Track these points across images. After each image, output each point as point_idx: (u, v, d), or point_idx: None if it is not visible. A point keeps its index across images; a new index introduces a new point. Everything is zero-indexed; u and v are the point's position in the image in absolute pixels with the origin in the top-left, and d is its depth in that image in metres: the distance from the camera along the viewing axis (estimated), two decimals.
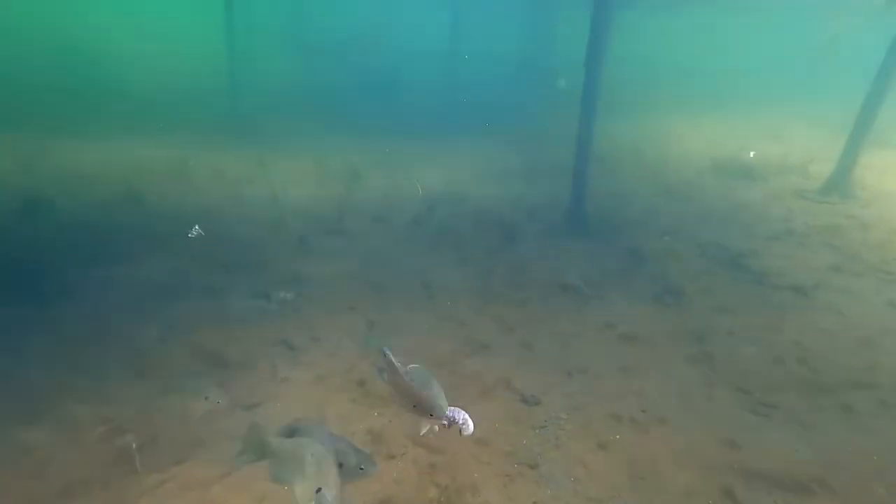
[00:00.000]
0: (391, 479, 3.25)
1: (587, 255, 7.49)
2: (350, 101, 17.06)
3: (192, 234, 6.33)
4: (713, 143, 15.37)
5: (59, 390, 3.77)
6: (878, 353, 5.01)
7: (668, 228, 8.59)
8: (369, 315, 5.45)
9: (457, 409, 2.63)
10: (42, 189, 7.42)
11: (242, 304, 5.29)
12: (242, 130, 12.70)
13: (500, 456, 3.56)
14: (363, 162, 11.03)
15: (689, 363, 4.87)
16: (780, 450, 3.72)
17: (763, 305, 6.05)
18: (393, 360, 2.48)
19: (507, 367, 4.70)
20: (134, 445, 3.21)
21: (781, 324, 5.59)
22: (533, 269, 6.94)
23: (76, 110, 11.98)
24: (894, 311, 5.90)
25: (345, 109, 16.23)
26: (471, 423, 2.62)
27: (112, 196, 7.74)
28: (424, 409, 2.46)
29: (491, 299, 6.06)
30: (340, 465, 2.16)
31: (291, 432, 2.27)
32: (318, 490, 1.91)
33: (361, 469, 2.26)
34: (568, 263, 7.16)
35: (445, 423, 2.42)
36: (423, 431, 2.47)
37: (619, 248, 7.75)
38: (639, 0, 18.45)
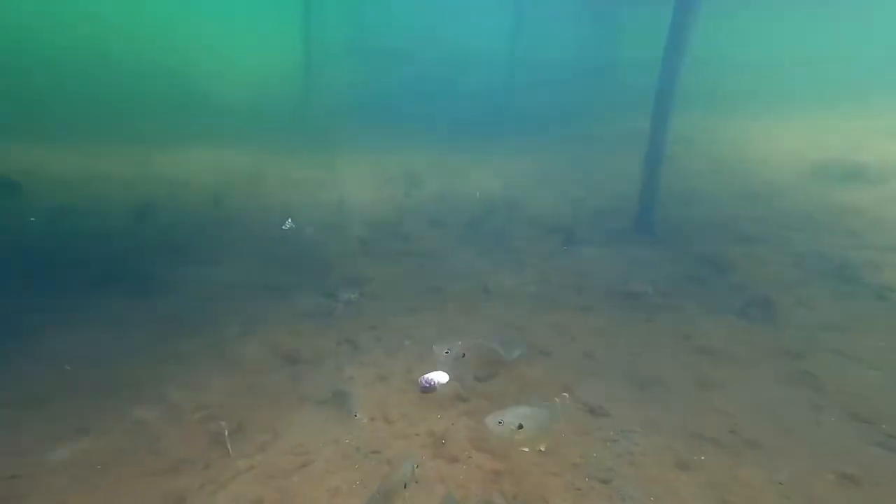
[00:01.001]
0: (456, 484, 3.14)
1: (655, 262, 6.93)
2: (412, 107, 17.65)
3: (286, 226, 6.88)
4: (812, 143, 13.56)
5: (159, 376, 4.19)
6: None
7: (753, 235, 7.66)
8: (428, 317, 5.46)
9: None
10: (149, 195, 8.50)
11: (311, 304, 5.58)
12: (311, 136, 13.65)
13: (568, 467, 3.31)
14: (422, 166, 11.29)
15: (785, 383, 4.22)
16: None
17: (884, 324, 5.11)
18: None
19: (569, 376, 4.42)
20: (226, 432, 3.45)
21: None
22: (595, 275, 6.55)
23: (174, 123, 13.69)
24: None
25: (406, 114, 16.82)
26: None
27: (201, 200, 8.65)
28: None
29: (550, 305, 5.79)
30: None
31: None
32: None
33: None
34: (634, 270, 6.67)
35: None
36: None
37: (692, 254, 7.07)
38: None
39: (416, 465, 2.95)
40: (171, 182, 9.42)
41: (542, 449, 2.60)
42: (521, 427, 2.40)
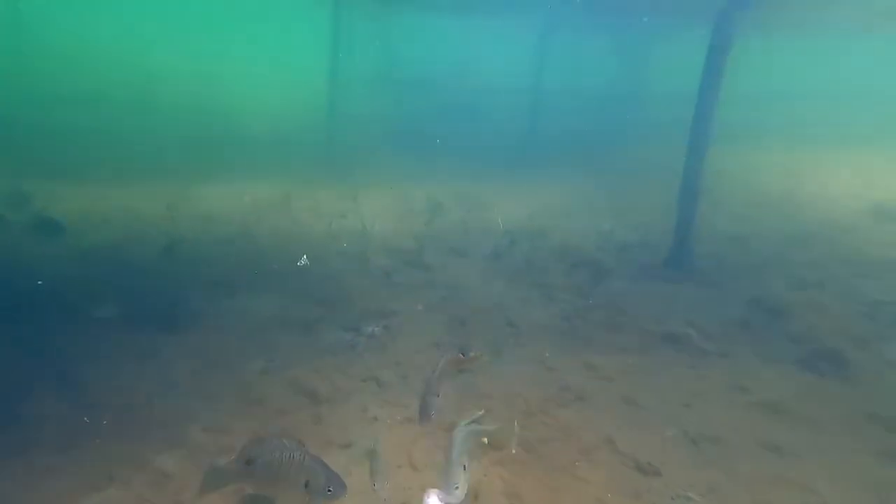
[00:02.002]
0: None
1: (695, 302, 6.44)
2: (437, 137, 17.86)
3: (301, 263, 6.79)
4: (869, 181, 12.80)
5: (184, 416, 3.98)
6: None
7: (811, 279, 7.06)
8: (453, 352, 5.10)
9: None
10: (180, 229, 8.60)
11: (334, 338, 5.37)
12: (337, 167, 13.87)
13: None
14: (445, 195, 11.20)
15: (881, 457, 3.61)
16: None
17: None
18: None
19: (608, 424, 3.96)
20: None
21: None
22: (629, 313, 6.11)
23: (203, 158, 14.14)
24: None
25: (432, 144, 17.01)
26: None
27: (229, 234, 8.66)
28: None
29: (582, 343, 5.37)
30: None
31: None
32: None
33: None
34: (671, 310, 6.20)
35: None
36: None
37: (737, 296, 6.54)
38: (763, 23, 16.90)
39: None
40: (200, 216, 9.54)
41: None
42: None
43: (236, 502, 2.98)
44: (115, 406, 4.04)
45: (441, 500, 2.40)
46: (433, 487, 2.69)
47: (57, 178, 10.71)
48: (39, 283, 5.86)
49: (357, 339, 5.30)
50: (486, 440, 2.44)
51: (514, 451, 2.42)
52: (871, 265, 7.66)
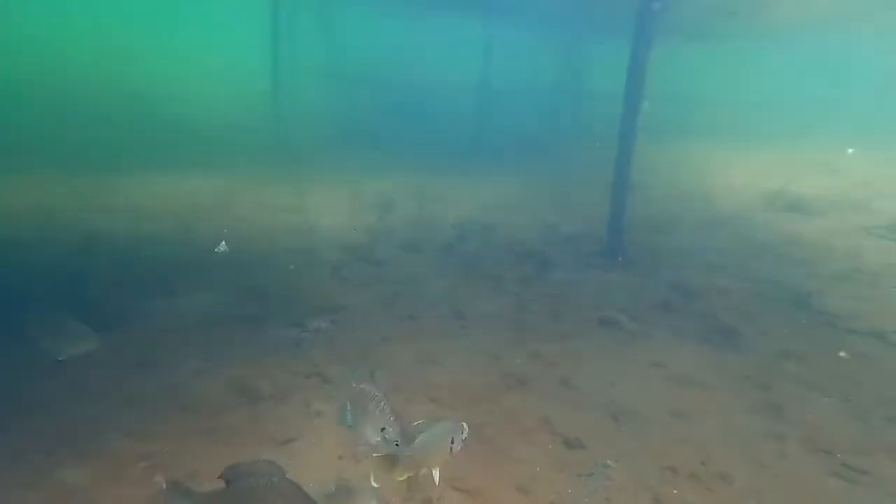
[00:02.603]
0: None
1: (627, 288, 7.12)
2: (386, 133, 17.72)
3: (219, 249, 6.55)
4: (760, 176, 14.64)
5: (105, 423, 3.79)
6: None
7: (717, 263, 8.06)
8: (402, 345, 5.33)
9: None
10: (99, 224, 7.93)
11: (278, 334, 5.30)
12: (283, 162, 13.40)
13: None
14: (395, 191, 11.27)
15: (753, 413, 4.36)
16: None
17: (834, 351, 5.43)
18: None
19: (547, 406, 4.39)
20: (163, 485, 3.10)
21: (862, 374, 4.96)
22: (570, 301, 6.65)
23: (130, 148, 13.03)
24: None
25: (380, 140, 16.87)
26: None
27: (161, 229, 8.16)
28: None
29: (527, 332, 5.80)
30: None
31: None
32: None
33: None
34: (607, 296, 6.82)
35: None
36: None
37: (661, 281, 7.32)
38: (680, 28, 18.40)
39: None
40: (130, 212, 8.87)
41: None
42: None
43: None
44: (16, 419, 3.79)
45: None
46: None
47: None
48: None
49: (302, 335, 5.28)
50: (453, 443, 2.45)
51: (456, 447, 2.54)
52: (760, 248, 8.88)
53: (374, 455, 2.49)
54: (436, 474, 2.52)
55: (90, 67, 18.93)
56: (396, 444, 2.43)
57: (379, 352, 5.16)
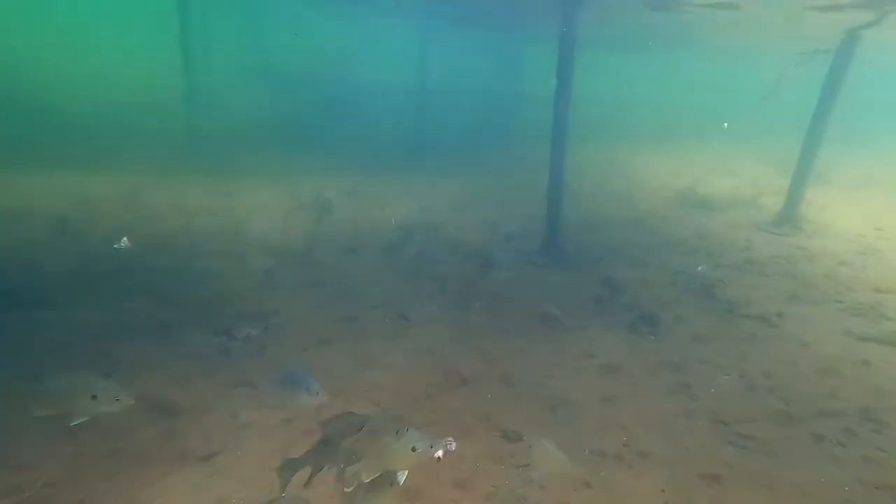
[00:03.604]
0: None
1: (562, 285, 7.57)
2: (320, 134, 17.00)
3: (120, 245, 5.87)
4: (673, 176, 16.34)
5: None
6: (840, 382, 5.22)
7: (640, 258, 8.86)
8: (341, 348, 5.20)
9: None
10: None
11: (199, 343, 4.86)
12: (203, 161, 12.27)
13: (481, 499, 3.37)
14: (334, 193, 10.90)
15: (669, 394, 4.89)
16: (759, 483, 3.73)
17: (733, 335, 6.25)
18: None
19: (487, 402, 4.55)
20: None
21: (751, 353, 5.76)
22: (510, 299, 6.92)
23: (10, 140, 11.18)
24: (849, 339, 6.23)
25: (315, 142, 16.15)
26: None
27: (44, 231, 7.11)
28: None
29: (470, 331, 5.94)
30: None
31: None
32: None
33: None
34: (545, 292, 7.20)
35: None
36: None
37: (592, 277, 7.89)
38: (597, 41, 19.82)
39: None
40: (4, 211, 7.64)
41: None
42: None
43: None
44: None
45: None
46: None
47: None
48: None
49: (230, 342, 4.94)
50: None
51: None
52: (675, 243, 9.95)
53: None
54: (401, 476, 2.56)
55: None
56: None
57: (316, 355, 4.99)
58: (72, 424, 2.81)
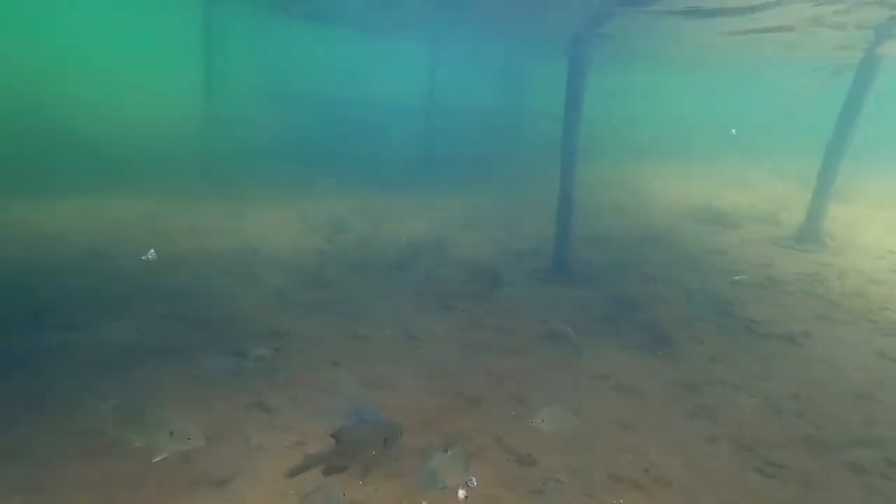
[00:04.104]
0: None
1: (574, 302, 7.42)
2: (331, 154, 17.42)
3: (148, 257, 6.01)
4: (686, 192, 16.12)
5: None
6: (876, 407, 4.91)
7: (654, 275, 8.65)
8: (351, 368, 5.13)
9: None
10: (4, 252, 7.01)
11: (213, 364, 4.89)
12: (221, 184, 12.64)
13: None
14: (345, 212, 11.05)
15: (688, 417, 4.65)
16: None
17: (755, 354, 5.97)
18: None
19: (499, 424, 4.39)
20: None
21: (776, 374, 5.48)
22: (520, 317, 6.79)
23: (40, 167, 11.66)
24: (884, 361, 5.88)
25: (326, 162, 16.53)
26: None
27: (75, 255, 7.33)
28: None
29: (479, 349, 5.82)
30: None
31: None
32: None
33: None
34: (555, 310, 7.05)
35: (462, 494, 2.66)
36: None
37: (603, 294, 7.72)
38: (610, 64, 20.12)
39: None
40: (35, 236, 7.90)
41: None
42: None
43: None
44: None
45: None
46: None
47: None
48: None
49: (243, 363, 4.93)
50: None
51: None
52: (689, 259, 9.71)
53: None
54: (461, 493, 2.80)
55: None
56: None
57: (326, 376, 4.93)
58: (154, 461, 3.10)
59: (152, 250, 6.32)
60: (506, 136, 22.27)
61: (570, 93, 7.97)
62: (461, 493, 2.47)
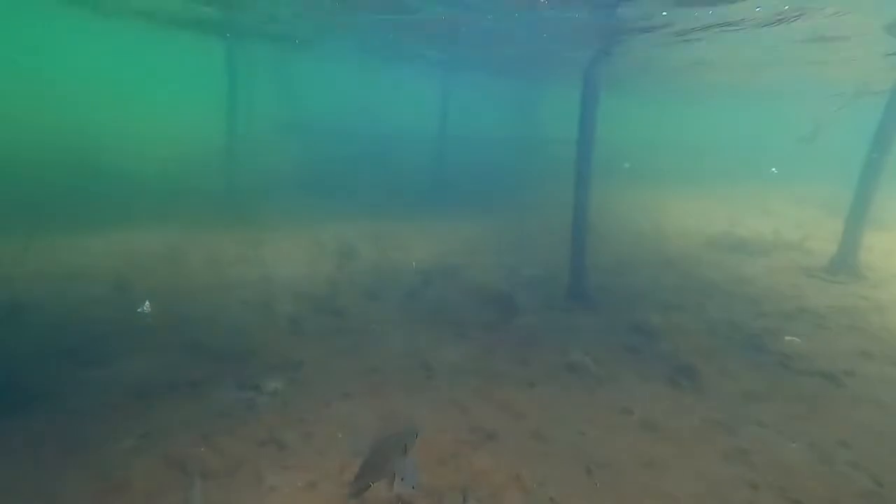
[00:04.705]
0: None
1: (590, 331, 7.14)
2: (345, 182, 17.75)
3: (143, 309, 6.16)
4: (705, 218, 15.76)
5: None
6: None
7: (674, 302, 8.30)
8: (364, 402, 4.95)
9: None
10: (25, 291, 7.09)
11: (228, 399, 4.84)
12: (238, 213, 12.90)
13: None
14: (356, 239, 11.09)
15: (723, 460, 4.29)
16: None
17: (793, 393, 5.56)
18: None
19: (518, 461, 4.12)
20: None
21: (818, 416, 5.07)
22: (536, 346, 6.54)
23: (65, 204, 11.99)
24: None
25: (340, 189, 16.83)
26: None
27: (100, 291, 7.42)
28: None
29: (495, 381, 5.59)
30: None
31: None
32: None
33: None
34: (572, 339, 6.79)
35: None
36: None
37: (622, 322, 7.42)
38: (626, 88, 20.31)
39: None
40: (62, 274, 8.05)
41: None
42: None
43: None
44: None
45: None
46: None
47: None
48: None
49: (257, 397, 4.84)
50: None
51: None
52: (709, 287, 9.31)
53: None
54: None
55: (22, 118, 17.90)
56: None
57: (339, 410, 4.75)
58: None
59: (147, 303, 6.48)
60: (519, 163, 22.43)
61: (584, 117, 7.96)
62: None
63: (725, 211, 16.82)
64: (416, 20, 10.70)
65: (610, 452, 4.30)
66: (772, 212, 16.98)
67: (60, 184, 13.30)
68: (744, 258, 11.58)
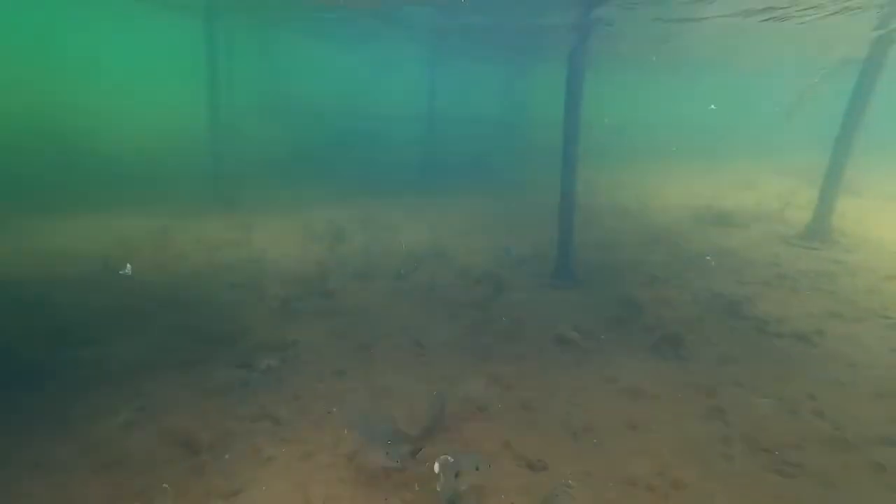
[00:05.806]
0: None
1: (578, 306, 7.34)
2: (335, 163, 17.60)
3: (125, 271, 6.14)
4: (688, 193, 16.02)
5: (7, 497, 3.30)
6: None
7: (660, 276, 8.56)
8: (358, 378, 5.10)
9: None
10: (10, 270, 7.09)
11: (221, 376, 4.91)
12: (226, 196, 12.76)
13: None
14: (347, 222, 11.10)
15: (700, 419, 4.55)
16: None
17: (768, 354, 5.85)
18: None
19: (507, 430, 4.32)
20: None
21: (790, 374, 5.36)
22: (525, 322, 6.72)
23: (49, 185, 11.84)
24: None
25: (329, 171, 16.72)
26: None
27: (85, 272, 7.39)
28: None
29: (485, 356, 5.76)
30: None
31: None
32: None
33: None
34: (560, 315, 6.98)
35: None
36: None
37: (609, 297, 7.63)
38: (607, 62, 20.20)
39: None
40: (46, 254, 8.01)
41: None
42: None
43: None
44: None
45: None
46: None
47: None
48: None
49: (250, 375, 4.93)
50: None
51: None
52: (693, 260, 9.58)
53: None
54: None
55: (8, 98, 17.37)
56: None
57: (333, 387, 4.90)
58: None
59: (129, 265, 6.44)
60: (506, 144, 22.38)
61: (569, 96, 7.99)
62: (436, 467, 2.55)
63: (709, 185, 17.09)
64: None
65: (596, 417, 4.52)
66: (754, 184, 17.30)
67: (36, 166, 12.99)
68: (727, 230, 11.87)
